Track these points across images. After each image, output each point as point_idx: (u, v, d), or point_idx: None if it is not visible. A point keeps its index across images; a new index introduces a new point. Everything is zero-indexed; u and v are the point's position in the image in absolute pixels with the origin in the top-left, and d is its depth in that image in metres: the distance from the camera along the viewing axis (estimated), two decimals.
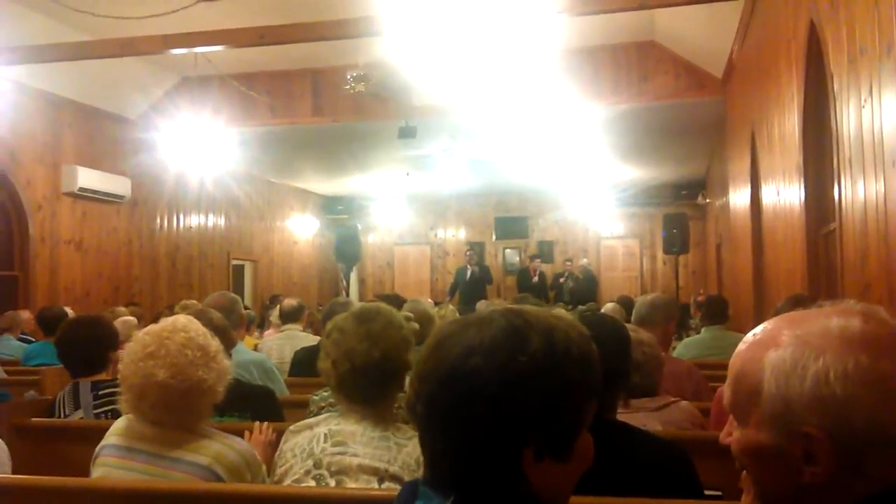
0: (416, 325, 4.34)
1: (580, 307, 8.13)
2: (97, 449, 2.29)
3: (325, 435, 2.12)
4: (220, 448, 2.19)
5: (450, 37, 6.99)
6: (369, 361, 2.12)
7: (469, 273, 14.83)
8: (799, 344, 1.07)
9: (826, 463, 1.03)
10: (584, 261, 16.31)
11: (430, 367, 1.14)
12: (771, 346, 1.10)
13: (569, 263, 16.00)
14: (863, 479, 1.03)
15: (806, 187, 4.80)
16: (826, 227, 4.57)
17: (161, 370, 2.14)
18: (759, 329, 1.16)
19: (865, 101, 3.31)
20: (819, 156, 4.67)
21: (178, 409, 2.17)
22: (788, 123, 5.31)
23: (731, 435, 1.16)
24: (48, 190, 9.45)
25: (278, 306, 7.42)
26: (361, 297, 16.55)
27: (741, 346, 1.16)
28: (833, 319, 1.07)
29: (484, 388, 1.08)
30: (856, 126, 3.51)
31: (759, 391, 1.09)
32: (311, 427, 2.18)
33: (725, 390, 1.17)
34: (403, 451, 2.09)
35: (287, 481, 2.13)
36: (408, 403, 1.17)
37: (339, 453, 2.08)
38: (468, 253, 15.68)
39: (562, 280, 15.48)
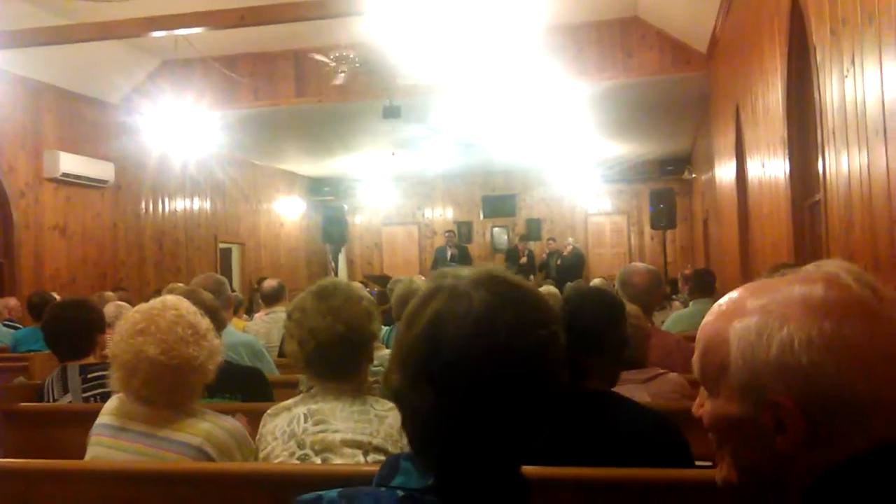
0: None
1: (568, 283, 8.16)
2: (92, 428, 2.30)
3: (305, 415, 2.11)
4: (210, 427, 2.20)
5: (433, 16, 6.94)
6: (334, 336, 2.11)
7: (449, 255, 14.89)
8: (763, 313, 1.07)
9: (796, 431, 1.03)
10: (570, 240, 16.30)
11: (432, 349, 1.07)
12: (736, 317, 1.09)
13: (552, 242, 16.07)
14: (835, 444, 1.03)
15: (790, 159, 4.81)
16: (811, 198, 4.60)
17: (151, 346, 2.15)
18: (724, 299, 1.16)
19: (848, 71, 3.32)
20: (803, 128, 4.69)
21: (168, 386, 2.17)
22: (772, 97, 5.32)
23: (703, 406, 1.15)
24: (30, 176, 9.37)
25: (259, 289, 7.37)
26: (350, 279, 16.53)
27: (708, 318, 1.15)
28: (796, 287, 1.07)
29: (513, 364, 1.05)
30: (839, 97, 3.52)
31: (727, 363, 1.08)
32: (288, 409, 2.17)
33: (694, 363, 1.16)
34: (385, 423, 2.09)
35: None
36: (394, 388, 1.11)
37: (321, 431, 2.07)
38: (447, 234, 15.77)
39: (544, 256, 15.61)
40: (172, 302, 2.30)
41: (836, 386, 1.01)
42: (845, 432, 1.03)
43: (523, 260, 15.23)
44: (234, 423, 2.28)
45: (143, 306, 2.29)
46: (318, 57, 9.27)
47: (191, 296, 2.84)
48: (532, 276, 14.30)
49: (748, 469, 1.11)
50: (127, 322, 2.24)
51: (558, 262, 15.35)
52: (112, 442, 2.22)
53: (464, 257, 15.10)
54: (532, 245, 16.20)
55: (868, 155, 3.09)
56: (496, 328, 1.05)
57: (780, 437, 1.04)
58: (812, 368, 1.02)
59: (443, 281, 1.12)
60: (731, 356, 1.08)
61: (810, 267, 1.23)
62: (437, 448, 1.08)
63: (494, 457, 1.08)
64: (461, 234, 17.44)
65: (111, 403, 2.30)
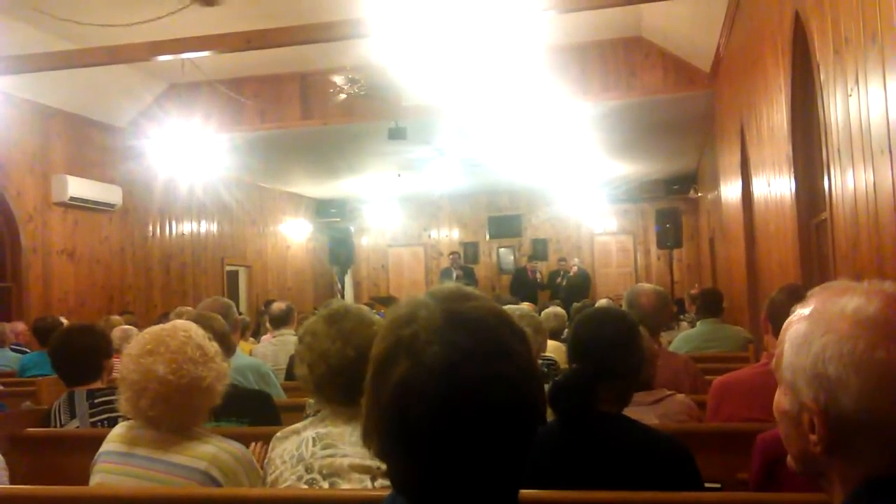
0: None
1: (575, 304, 8.15)
2: (96, 455, 2.30)
3: (314, 439, 2.11)
4: (216, 451, 2.20)
5: (437, 37, 6.98)
6: (344, 360, 2.11)
7: (454, 276, 14.90)
8: (814, 319, 1.11)
9: (821, 435, 1.07)
10: (576, 260, 16.31)
11: (402, 419, 1.05)
12: (798, 318, 1.15)
13: (562, 262, 16.09)
14: (859, 460, 1.06)
15: (796, 178, 4.81)
16: (817, 217, 4.59)
17: (161, 366, 2.17)
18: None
19: (852, 90, 3.32)
20: (808, 146, 4.69)
21: (176, 406, 2.18)
22: (777, 115, 5.32)
23: None
24: (39, 200, 9.42)
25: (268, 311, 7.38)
26: (357, 300, 16.53)
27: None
28: (855, 299, 1.10)
29: (488, 411, 1.04)
30: (843, 115, 3.52)
31: (782, 359, 1.15)
32: (297, 432, 2.17)
33: None
34: None
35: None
36: (376, 454, 1.11)
37: (329, 455, 2.06)
38: (452, 255, 15.79)
39: (558, 280, 15.59)
40: (182, 325, 2.33)
41: (857, 403, 1.04)
42: (869, 448, 1.06)
43: (537, 279, 15.30)
44: (239, 447, 2.28)
45: (152, 329, 2.32)
46: (334, 78, 9.31)
47: (202, 321, 2.85)
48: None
49: (797, 458, 1.16)
50: (136, 343, 2.26)
51: (563, 282, 15.38)
52: (118, 468, 2.22)
53: (469, 278, 15.11)
54: (540, 265, 16.22)
55: (873, 173, 3.08)
56: (463, 382, 1.03)
57: (812, 436, 1.09)
58: (837, 382, 1.05)
59: (401, 330, 1.09)
60: (784, 353, 1.14)
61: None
62: (430, 496, 1.08)
63: (490, 490, 1.08)
64: (467, 255, 17.47)
65: (117, 430, 2.31)
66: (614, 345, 2.19)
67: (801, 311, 1.14)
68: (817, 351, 1.07)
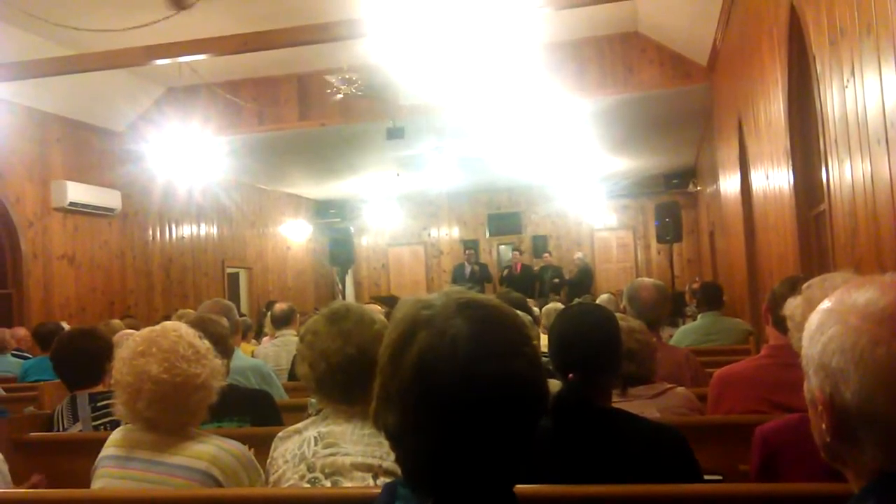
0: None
1: (576, 300, 8.16)
2: (96, 461, 2.30)
3: (315, 438, 2.11)
4: (216, 451, 2.20)
5: (434, 36, 6.98)
6: (345, 359, 2.11)
7: (469, 271, 14.92)
8: (828, 310, 1.12)
9: (828, 425, 1.08)
10: (579, 254, 16.38)
11: (424, 391, 1.06)
12: (820, 308, 1.16)
13: (548, 255, 16.18)
14: (867, 453, 1.06)
15: (794, 170, 4.81)
16: (816, 208, 4.59)
17: (154, 365, 2.17)
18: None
19: (848, 81, 3.33)
20: (806, 138, 4.69)
21: (173, 405, 2.18)
22: (774, 108, 5.32)
23: None
24: (38, 206, 9.43)
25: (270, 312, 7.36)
26: (358, 300, 16.53)
27: None
28: (868, 292, 1.09)
29: (507, 387, 1.07)
30: (840, 107, 3.53)
31: (801, 345, 1.16)
32: (299, 432, 2.17)
33: None
34: None
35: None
36: (391, 430, 1.11)
37: (331, 454, 2.07)
38: (467, 252, 15.82)
39: (535, 270, 15.75)
40: (172, 325, 2.34)
41: (859, 398, 1.04)
42: (873, 443, 1.05)
43: (516, 273, 15.30)
44: (239, 446, 2.28)
45: (142, 331, 2.33)
46: (330, 77, 9.31)
47: (199, 323, 2.85)
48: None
49: (819, 446, 1.17)
50: (128, 346, 2.27)
51: (549, 275, 15.45)
52: (118, 472, 2.22)
53: (484, 274, 15.21)
54: (535, 262, 16.34)
55: (871, 164, 3.09)
56: (484, 357, 1.06)
57: (822, 425, 1.10)
58: (840, 374, 1.05)
59: (417, 313, 1.11)
60: (802, 342, 1.16)
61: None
62: (437, 478, 1.09)
63: (492, 478, 1.09)
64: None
65: (115, 435, 2.31)
66: (592, 340, 2.18)
67: (825, 302, 1.14)
68: (825, 341, 1.08)
